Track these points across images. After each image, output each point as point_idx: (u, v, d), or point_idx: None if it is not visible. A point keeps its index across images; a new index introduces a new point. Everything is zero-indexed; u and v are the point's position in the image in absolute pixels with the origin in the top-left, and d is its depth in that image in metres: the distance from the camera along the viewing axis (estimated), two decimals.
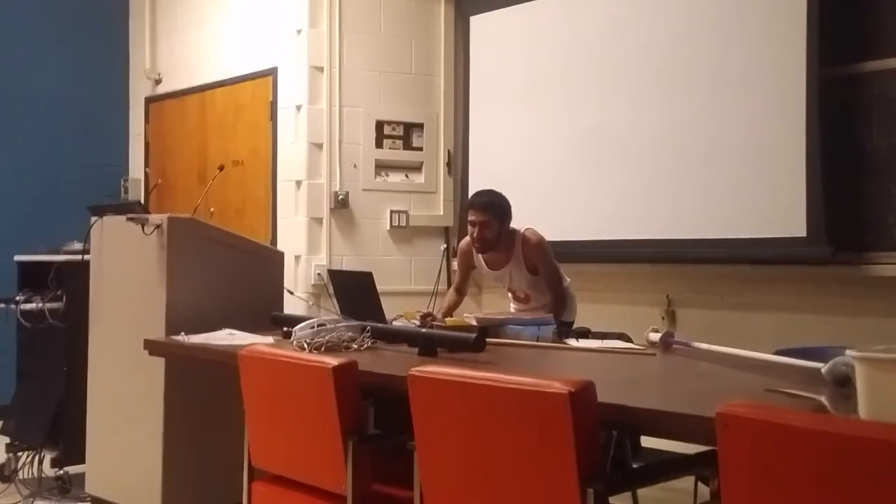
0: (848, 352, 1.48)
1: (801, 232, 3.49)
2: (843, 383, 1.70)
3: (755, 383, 1.88)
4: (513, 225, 3.37)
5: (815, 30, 3.47)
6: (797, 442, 1.26)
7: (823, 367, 1.80)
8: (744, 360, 2.19)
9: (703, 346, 2.44)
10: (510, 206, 3.35)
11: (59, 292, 3.70)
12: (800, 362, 1.99)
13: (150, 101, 5.82)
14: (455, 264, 4.78)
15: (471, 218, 3.33)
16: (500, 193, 3.38)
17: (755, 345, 2.45)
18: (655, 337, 2.58)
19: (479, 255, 3.45)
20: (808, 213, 3.46)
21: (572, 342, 2.70)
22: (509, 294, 3.55)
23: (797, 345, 2.67)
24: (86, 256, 3.38)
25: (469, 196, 3.96)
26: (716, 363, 2.26)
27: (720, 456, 1.34)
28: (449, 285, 4.99)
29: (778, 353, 2.28)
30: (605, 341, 2.69)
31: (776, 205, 3.60)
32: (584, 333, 2.90)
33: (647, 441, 1.90)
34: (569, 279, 3.51)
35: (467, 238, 3.47)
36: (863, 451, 1.19)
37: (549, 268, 3.34)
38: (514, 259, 3.36)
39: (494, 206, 3.30)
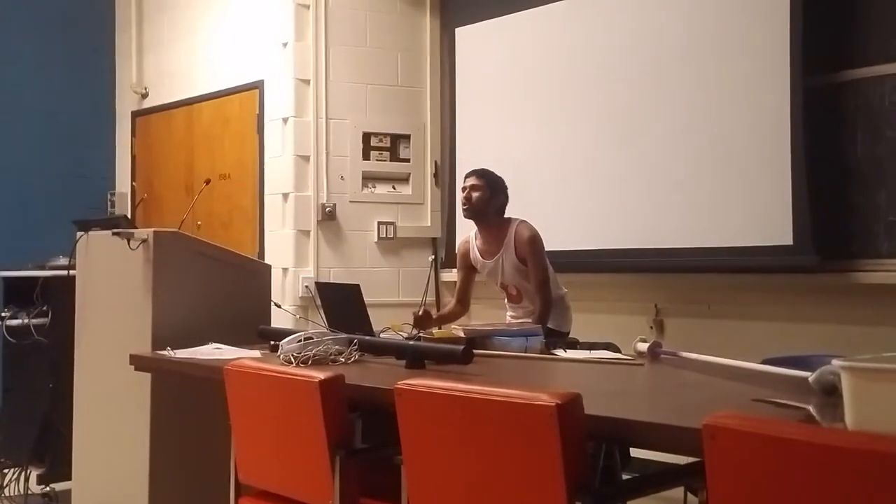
0: (834, 361, 1.48)
1: (788, 240, 3.51)
2: (830, 392, 1.70)
3: (742, 393, 1.88)
4: (511, 215, 3.43)
5: (798, 39, 3.49)
6: (784, 452, 1.26)
7: (810, 377, 1.80)
8: (731, 370, 2.19)
9: (691, 355, 2.44)
10: (505, 187, 3.45)
11: (44, 308, 3.68)
12: (787, 371, 1.99)
13: (136, 114, 5.81)
14: (444, 275, 4.82)
15: (464, 183, 3.46)
16: (499, 175, 3.49)
17: (743, 353, 2.46)
18: (643, 347, 2.58)
19: (475, 247, 3.48)
20: (794, 221, 3.48)
21: (560, 353, 2.70)
22: (503, 293, 3.55)
23: (785, 353, 2.68)
24: (71, 272, 3.36)
25: (452, 211, 3.99)
26: (703, 373, 2.26)
27: (707, 467, 1.33)
28: (437, 297, 4.99)
29: (765, 362, 2.28)
30: (593, 352, 2.69)
31: (762, 213, 3.62)
32: (573, 344, 2.89)
33: (636, 450, 1.89)
34: (566, 290, 3.51)
35: (463, 238, 3.53)
36: (850, 461, 1.18)
37: (537, 264, 3.35)
38: (505, 247, 3.39)
39: (488, 175, 3.43)
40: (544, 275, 3.37)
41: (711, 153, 3.80)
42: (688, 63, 3.91)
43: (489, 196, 3.38)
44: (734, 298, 3.84)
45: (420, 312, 3.19)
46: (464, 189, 3.45)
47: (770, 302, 3.72)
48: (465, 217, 3.50)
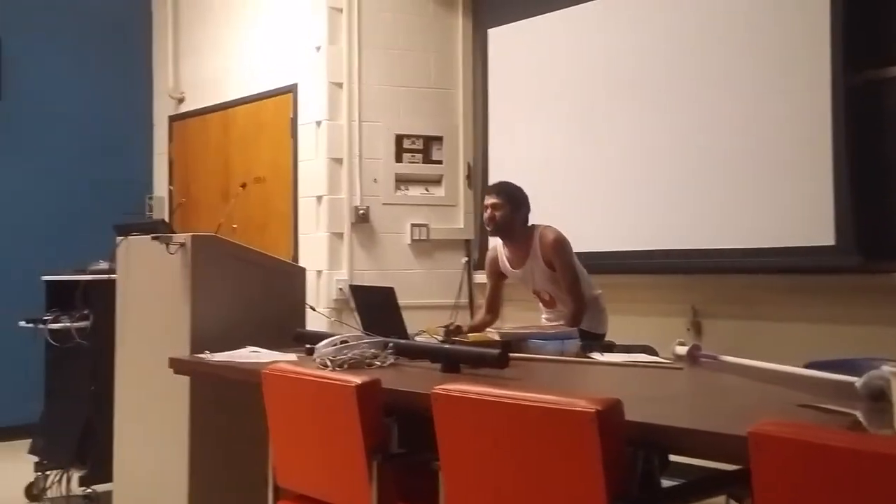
0: (884, 367, 1.44)
1: (830, 240, 3.43)
2: (878, 398, 1.66)
3: (787, 398, 1.84)
4: (535, 222, 3.40)
5: (839, 35, 3.42)
6: (833, 461, 1.23)
7: (857, 381, 1.75)
8: (774, 374, 2.15)
9: (732, 359, 2.40)
10: (526, 198, 3.41)
11: (86, 311, 3.74)
12: (832, 376, 1.94)
13: (173, 119, 5.88)
14: (477, 277, 4.80)
15: (484, 202, 3.44)
16: (518, 185, 3.45)
17: (784, 356, 2.41)
18: (682, 350, 2.55)
19: (503, 256, 3.46)
20: (837, 221, 3.41)
21: (597, 356, 2.67)
22: (537, 299, 3.52)
23: (827, 356, 2.61)
24: (112, 275, 3.41)
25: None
26: (745, 377, 2.22)
27: (754, 477, 1.31)
28: (470, 299, 4.98)
29: (809, 365, 2.23)
30: (630, 355, 2.66)
31: (804, 213, 3.54)
32: (609, 347, 2.87)
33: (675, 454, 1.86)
34: (600, 290, 3.48)
35: (491, 247, 3.51)
36: None
37: (564, 266, 3.32)
38: (531, 255, 3.37)
39: (506, 190, 3.40)
40: (573, 275, 3.34)
41: (751, 152, 3.74)
42: (725, 60, 3.85)
43: (511, 212, 3.35)
44: (774, 300, 3.77)
45: (452, 326, 3.15)
46: (485, 207, 3.41)
47: (812, 303, 3.64)
48: (491, 235, 3.48)
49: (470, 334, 3.15)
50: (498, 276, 3.55)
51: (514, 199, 3.36)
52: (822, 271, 3.55)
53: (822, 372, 2.02)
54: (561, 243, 3.34)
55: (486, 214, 3.40)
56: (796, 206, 3.58)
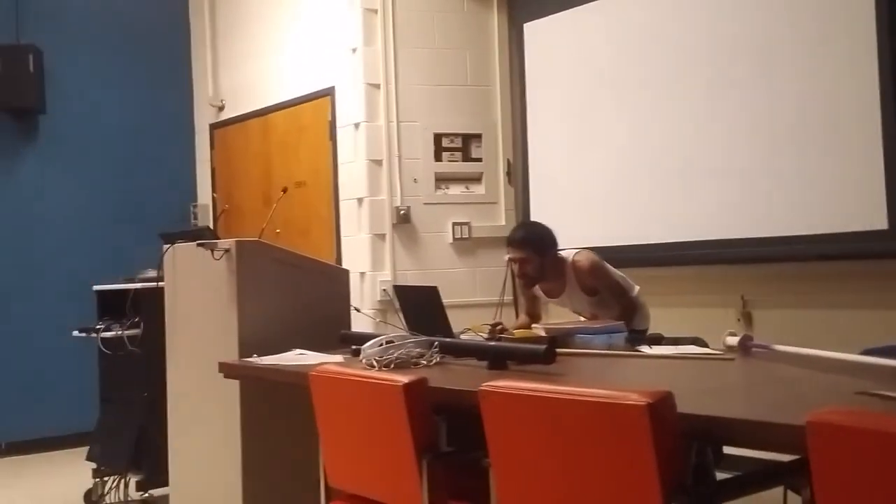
0: None
1: (883, 224, 3.34)
2: None
3: (844, 386, 1.80)
4: (561, 250, 3.29)
5: (884, 11, 3.32)
6: (894, 449, 1.19)
7: None
8: (829, 362, 2.10)
9: (785, 348, 2.35)
10: (552, 235, 3.27)
11: (136, 319, 3.81)
12: (889, 362, 1.89)
13: (214, 127, 5.97)
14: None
15: (509, 256, 3.28)
16: (539, 224, 3.34)
17: (837, 344, 2.34)
18: (734, 341, 2.50)
19: (538, 289, 3.41)
20: (889, 204, 3.31)
21: (645, 349, 2.63)
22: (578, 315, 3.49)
23: (882, 342, 2.54)
24: (160, 283, 3.47)
25: (527, 210, 3.86)
26: (799, 366, 2.17)
27: (813, 466, 1.27)
28: (514, 296, 4.96)
29: (865, 352, 2.17)
30: (679, 347, 2.61)
31: (854, 197, 3.45)
32: (657, 340, 2.82)
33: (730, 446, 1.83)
34: (637, 287, 3.42)
35: None
36: None
37: (608, 284, 3.27)
38: (569, 286, 3.29)
39: (531, 241, 3.23)
40: (619, 289, 3.29)
41: (798, 137, 3.66)
42: (768, 45, 3.77)
43: (540, 262, 3.22)
44: (826, 287, 3.68)
45: (498, 326, 3.12)
46: (512, 262, 3.26)
47: (864, 290, 3.55)
48: (525, 289, 3.37)
49: (515, 331, 3.14)
50: (533, 296, 3.51)
51: (539, 248, 3.22)
52: (875, 256, 3.46)
53: (878, 358, 1.96)
54: (597, 268, 3.24)
55: (516, 270, 3.26)
56: (846, 189, 3.49)
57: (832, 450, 1.25)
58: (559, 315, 4.39)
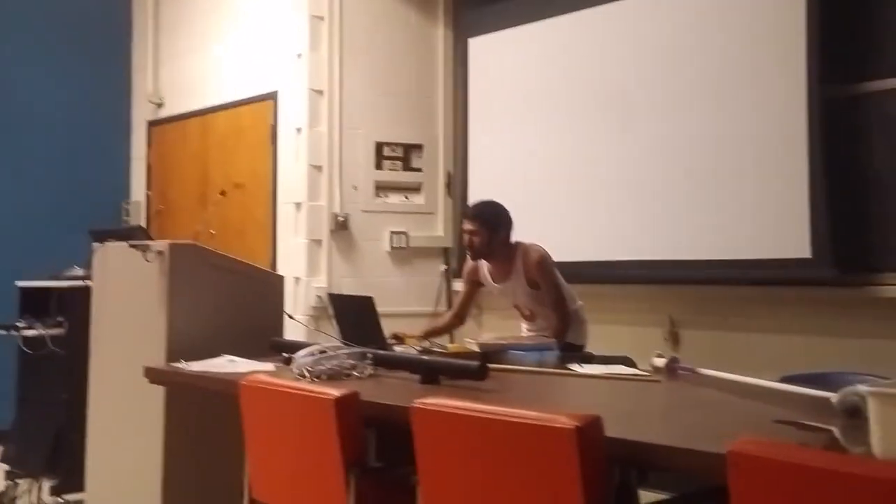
0: (859, 386, 1.45)
1: (806, 253, 3.47)
2: (854, 414, 1.67)
3: (763, 413, 1.85)
4: (520, 239, 3.37)
5: (815, 49, 3.46)
6: (811, 481, 1.24)
7: (833, 397, 1.77)
8: (751, 388, 2.16)
9: (710, 372, 2.41)
10: (507, 216, 3.35)
11: (60, 318, 3.69)
12: (809, 391, 1.96)
13: (152, 124, 5.83)
14: (455, 285, 4.80)
15: (463, 227, 3.41)
16: (498, 203, 3.40)
17: (760, 367, 2.42)
18: (661, 363, 2.56)
19: (485, 269, 3.45)
20: (813, 234, 3.44)
21: (576, 368, 2.67)
22: (517, 312, 3.52)
23: (803, 368, 2.64)
24: (87, 282, 3.37)
25: None
26: (722, 391, 2.23)
27: (731, 495, 1.31)
28: (448, 306, 4.97)
29: (784, 379, 2.25)
30: (608, 367, 2.66)
31: (780, 226, 3.58)
32: (588, 358, 2.87)
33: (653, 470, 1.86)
34: (581, 302, 3.48)
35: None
36: (879, 490, 1.16)
37: (549, 285, 3.32)
38: (514, 272, 3.35)
39: (484, 215, 3.33)
40: (558, 293, 3.34)
41: (728, 164, 3.77)
42: (703, 73, 3.88)
43: (489, 236, 3.29)
44: (751, 311, 3.80)
45: (398, 334, 3.13)
46: (463, 232, 3.37)
47: (788, 315, 3.68)
48: (472, 260, 3.43)
49: (449, 344, 3.15)
50: (474, 283, 3.54)
51: (491, 224, 3.30)
52: (798, 283, 3.59)
53: (798, 387, 2.04)
54: (545, 263, 3.31)
55: (465, 240, 3.36)
56: (773, 218, 3.61)
57: (751, 479, 1.29)
58: (494, 330, 4.42)
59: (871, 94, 3.43)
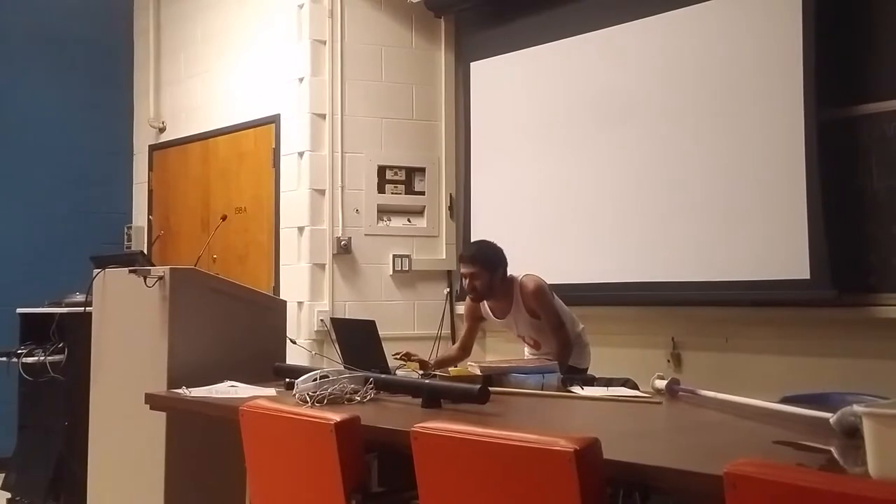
0: (856, 407, 1.46)
1: (805, 274, 3.47)
2: (851, 434, 1.68)
3: (763, 434, 1.86)
4: (512, 272, 3.38)
5: (811, 72, 3.49)
6: (808, 502, 1.24)
7: (831, 418, 1.77)
8: (750, 409, 2.17)
9: (710, 393, 2.41)
10: (502, 254, 3.38)
11: (60, 345, 3.70)
12: (807, 412, 1.96)
13: (153, 148, 5.87)
14: (459, 308, 4.80)
15: (461, 270, 3.41)
16: (491, 243, 3.42)
17: (761, 388, 2.42)
18: (661, 384, 2.56)
19: (485, 306, 3.46)
20: (812, 255, 3.45)
21: (577, 390, 2.67)
22: (521, 341, 3.54)
23: (803, 388, 2.64)
24: (88, 308, 3.38)
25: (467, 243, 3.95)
26: (722, 412, 2.24)
27: None
28: (452, 329, 4.98)
29: (784, 399, 2.26)
30: (610, 388, 2.67)
31: (779, 247, 3.59)
32: (589, 381, 2.87)
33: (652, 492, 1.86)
34: (582, 325, 3.49)
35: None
36: None
37: (548, 313, 3.33)
38: (514, 306, 3.37)
39: (481, 257, 3.34)
40: (557, 320, 3.35)
41: (728, 187, 3.79)
42: (702, 97, 3.91)
43: (489, 278, 3.32)
44: (752, 332, 3.80)
45: (401, 355, 3.15)
46: (463, 276, 3.40)
47: (787, 336, 3.68)
48: (474, 302, 3.46)
49: (451, 369, 3.15)
50: (476, 319, 3.57)
51: (490, 265, 3.32)
52: (797, 304, 3.59)
53: (797, 407, 2.04)
54: (541, 292, 3.33)
55: (466, 284, 3.38)
56: (772, 240, 3.62)
57: (748, 500, 1.29)
58: (496, 352, 4.43)
59: (869, 115, 3.45)
